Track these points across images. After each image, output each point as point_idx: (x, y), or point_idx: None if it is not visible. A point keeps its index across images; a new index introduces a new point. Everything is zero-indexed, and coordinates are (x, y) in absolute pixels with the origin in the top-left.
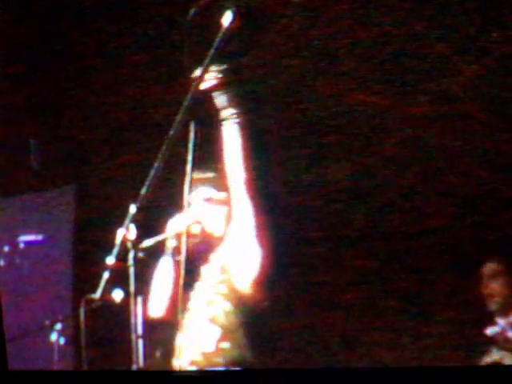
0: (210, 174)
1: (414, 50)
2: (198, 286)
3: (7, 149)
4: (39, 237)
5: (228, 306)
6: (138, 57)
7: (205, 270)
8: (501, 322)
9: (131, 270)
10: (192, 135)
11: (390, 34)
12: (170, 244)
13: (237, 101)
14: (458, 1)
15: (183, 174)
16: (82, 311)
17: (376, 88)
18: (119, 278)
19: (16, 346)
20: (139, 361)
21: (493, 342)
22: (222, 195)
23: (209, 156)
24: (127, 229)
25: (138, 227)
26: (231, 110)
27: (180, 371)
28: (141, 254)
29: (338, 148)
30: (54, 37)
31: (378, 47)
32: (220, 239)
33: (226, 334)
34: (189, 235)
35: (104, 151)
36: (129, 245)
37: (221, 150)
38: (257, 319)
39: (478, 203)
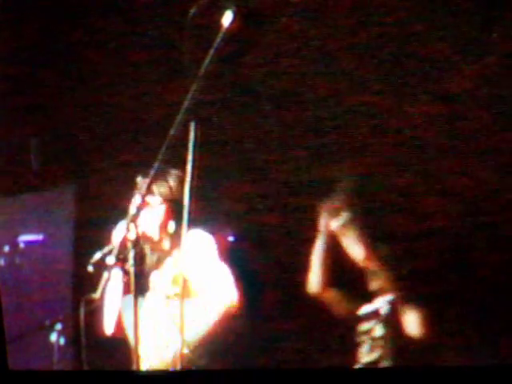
0: (147, 179)
1: (414, 51)
2: (149, 295)
3: (7, 149)
4: (39, 237)
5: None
6: (138, 57)
7: (154, 279)
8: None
9: (131, 270)
10: (192, 135)
11: (390, 34)
12: (118, 254)
13: None
14: (458, 1)
15: (183, 174)
16: (81, 311)
17: (376, 88)
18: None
19: (16, 346)
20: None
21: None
22: (156, 199)
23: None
24: (127, 229)
25: (137, 227)
26: None
27: (180, 371)
28: (90, 268)
29: (337, 148)
30: (54, 37)
31: (378, 47)
32: (161, 244)
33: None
34: (132, 242)
35: (104, 151)
36: (129, 245)
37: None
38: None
39: (478, 203)
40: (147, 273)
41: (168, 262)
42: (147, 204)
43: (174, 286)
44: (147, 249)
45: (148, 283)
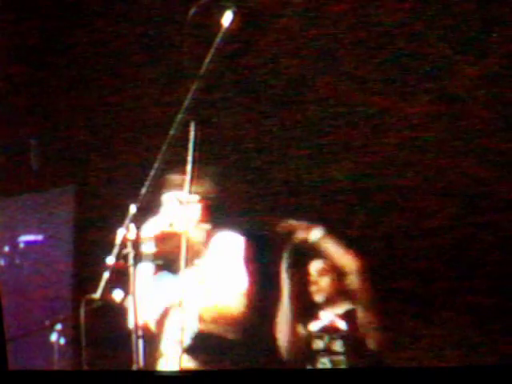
0: (182, 177)
1: (415, 50)
2: (179, 292)
3: (7, 149)
4: (39, 237)
5: (210, 315)
6: (138, 57)
7: (185, 276)
8: (328, 313)
9: (131, 270)
10: (192, 135)
11: (390, 34)
12: (148, 249)
13: None
14: (458, 1)
15: (183, 174)
16: (82, 311)
17: (376, 88)
18: (119, 277)
19: (16, 346)
20: (139, 361)
21: (324, 330)
22: (194, 198)
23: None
24: (127, 229)
25: (137, 227)
26: None
27: (180, 371)
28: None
29: (338, 148)
30: (54, 37)
31: (378, 47)
32: (195, 242)
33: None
34: (164, 239)
35: (104, 151)
36: (129, 245)
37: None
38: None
39: (478, 203)
40: (176, 270)
41: (198, 260)
42: (183, 202)
43: (201, 284)
44: (179, 246)
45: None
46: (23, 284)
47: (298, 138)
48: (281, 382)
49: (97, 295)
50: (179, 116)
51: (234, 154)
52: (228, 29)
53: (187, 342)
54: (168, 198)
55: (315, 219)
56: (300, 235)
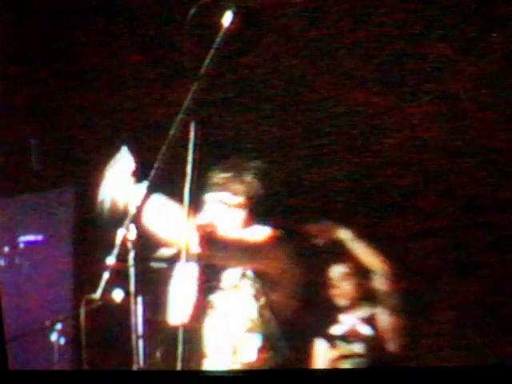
0: (225, 177)
1: (415, 51)
2: (219, 291)
3: (7, 149)
4: (39, 237)
5: (260, 313)
6: (138, 57)
7: (225, 276)
8: (350, 318)
9: (131, 270)
10: (192, 135)
11: (390, 35)
12: (187, 249)
13: None
14: (458, 1)
15: (183, 173)
16: (82, 311)
17: (376, 88)
18: (119, 277)
19: (16, 346)
20: (139, 361)
21: (343, 336)
22: (237, 199)
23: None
24: (127, 229)
25: (137, 227)
26: None
27: (180, 371)
28: (155, 264)
29: (338, 148)
30: (54, 37)
31: (378, 47)
32: (235, 243)
33: (265, 342)
34: (204, 239)
35: (104, 151)
36: (129, 245)
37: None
38: (290, 323)
39: (478, 203)
40: (219, 270)
41: (241, 260)
42: (224, 202)
43: (246, 283)
44: (221, 247)
45: (220, 280)
46: (23, 284)
47: (298, 138)
48: (281, 381)
49: (97, 295)
50: (179, 116)
51: (233, 154)
52: (228, 29)
53: (236, 342)
54: (211, 199)
55: (315, 219)
56: (326, 236)
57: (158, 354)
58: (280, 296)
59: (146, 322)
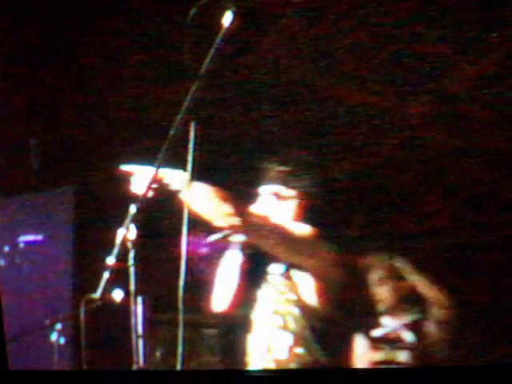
0: (281, 169)
1: (415, 51)
2: (263, 285)
3: (7, 149)
4: (39, 237)
5: (297, 312)
6: (138, 57)
7: (271, 269)
8: (390, 323)
9: (131, 270)
10: (192, 135)
11: (390, 35)
12: (237, 237)
13: None
14: (458, 1)
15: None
16: (82, 311)
17: (376, 88)
18: (119, 277)
19: (16, 346)
20: (139, 361)
21: (385, 341)
22: (290, 192)
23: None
24: (127, 229)
25: (137, 227)
26: None
27: (180, 371)
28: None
29: (337, 148)
30: (54, 37)
31: (378, 47)
32: (286, 237)
33: (298, 340)
34: (255, 229)
35: (104, 151)
36: (129, 245)
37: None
38: (326, 322)
39: (477, 203)
40: (263, 261)
41: (285, 253)
42: (279, 195)
43: (288, 282)
44: (271, 238)
45: (265, 276)
46: (23, 284)
47: (298, 138)
48: (281, 381)
49: (97, 295)
50: (179, 116)
51: (234, 154)
52: (228, 29)
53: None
54: (264, 191)
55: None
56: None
57: (157, 354)
58: (318, 294)
59: (145, 321)
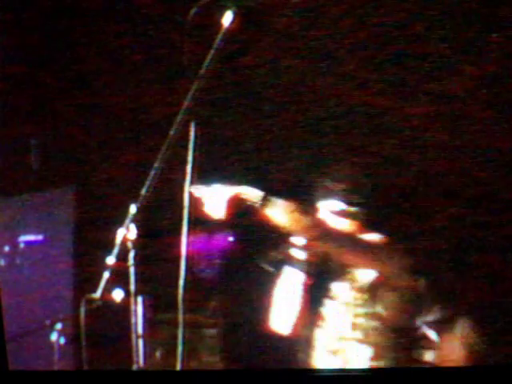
0: (341, 186)
1: (415, 51)
2: (328, 302)
3: (7, 149)
4: (39, 237)
5: (374, 325)
6: (138, 57)
7: (336, 287)
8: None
9: (131, 270)
10: (192, 135)
11: (390, 35)
12: (298, 255)
13: None
14: (458, 1)
15: (183, 173)
16: (82, 311)
17: (376, 88)
18: (119, 277)
19: (16, 346)
20: (139, 361)
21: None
22: (352, 209)
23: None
24: (127, 229)
25: (137, 227)
26: None
27: (181, 371)
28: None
29: (337, 148)
30: (54, 37)
31: (378, 48)
32: (360, 246)
33: (378, 353)
34: (316, 247)
35: (104, 151)
36: (129, 245)
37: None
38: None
39: (478, 203)
40: (328, 280)
41: (353, 270)
42: (336, 212)
43: (358, 294)
44: (330, 255)
45: (328, 290)
46: (23, 284)
47: (298, 138)
48: (281, 381)
49: (97, 295)
50: (179, 116)
51: (233, 154)
52: (228, 29)
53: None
54: (322, 207)
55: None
56: None
57: (157, 354)
58: (389, 304)
59: (145, 321)
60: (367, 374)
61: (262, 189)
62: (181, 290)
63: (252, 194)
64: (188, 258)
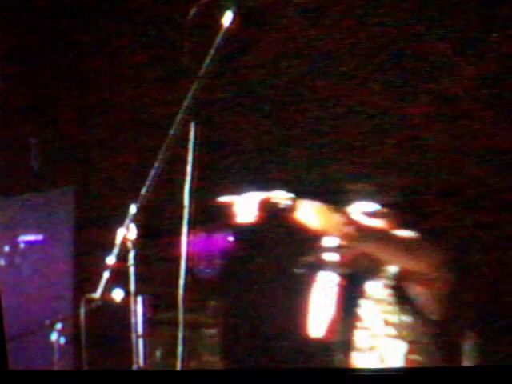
0: (371, 187)
1: (415, 51)
2: (364, 302)
3: (7, 149)
4: (39, 237)
5: (410, 320)
6: (138, 57)
7: (370, 286)
8: None
9: (131, 270)
10: (192, 135)
11: (390, 35)
12: (330, 257)
13: None
14: (458, 1)
15: (183, 174)
16: (82, 311)
17: (376, 88)
18: (119, 277)
19: (16, 346)
20: (139, 361)
21: None
22: (383, 210)
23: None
24: (127, 229)
25: (137, 227)
26: None
27: (181, 371)
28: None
29: (338, 148)
30: (54, 37)
31: (378, 47)
32: (396, 242)
33: (414, 348)
34: (349, 248)
35: (104, 151)
36: (129, 245)
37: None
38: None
39: (478, 203)
40: (362, 279)
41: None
42: (369, 213)
43: (392, 292)
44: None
45: (362, 289)
46: (23, 284)
47: (298, 138)
48: (281, 381)
49: (97, 295)
50: (179, 116)
51: (233, 154)
52: (228, 29)
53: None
54: (354, 209)
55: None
56: None
57: (157, 354)
58: (430, 299)
59: (145, 321)
60: (370, 373)
61: (290, 191)
62: (181, 290)
63: (282, 196)
64: (188, 258)
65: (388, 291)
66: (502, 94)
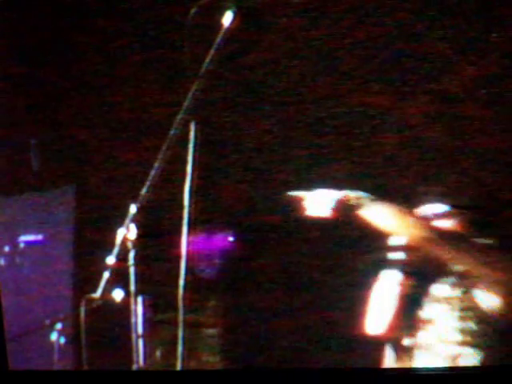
0: (441, 188)
1: (415, 50)
2: (428, 303)
3: (7, 149)
4: (39, 237)
5: (473, 326)
6: (138, 57)
7: (436, 287)
8: None
9: (131, 270)
10: (192, 135)
11: (390, 34)
12: (396, 256)
13: None
14: (458, 1)
15: (183, 174)
16: (82, 311)
17: (376, 88)
18: (119, 277)
19: (16, 346)
20: (139, 361)
21: None
22: (452, 211)
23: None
24: (127, 229)
25: (137, 227)
26: None
27: (181, 371)
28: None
29: (338, 148)
30: (54, 37)
31: (378, 47)
32: (463, 247)
33: (475, 352)
34: (415, 247)
35: (104, 151)
36: (129, 245)
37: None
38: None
39: (478, 203)
40: (430, 281)
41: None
42: (439, 215)
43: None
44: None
45: (429, 289)
46: (23, 284)
47: (298, 138)
48: (281, 381)
49: (97, 295)
50: (179, 116)
51: (233, 154)
52: (228, 29)
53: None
54: (424, 210)
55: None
56: None
57: (157, 354)
58: (497, 305)
59: (145, 321)
60: (370, 373)
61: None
62: (181, 290)
63: (355, 196)
64: (188, 258)
65: (454, 294)
66: (502, 93)
